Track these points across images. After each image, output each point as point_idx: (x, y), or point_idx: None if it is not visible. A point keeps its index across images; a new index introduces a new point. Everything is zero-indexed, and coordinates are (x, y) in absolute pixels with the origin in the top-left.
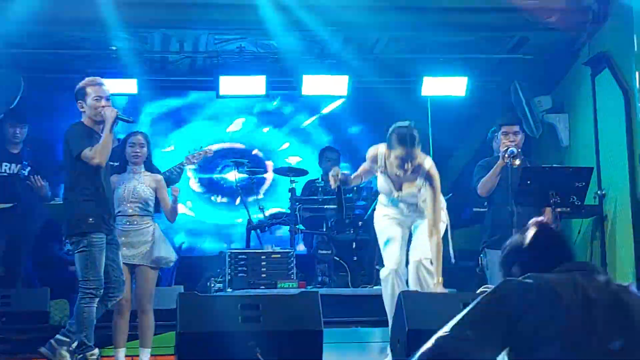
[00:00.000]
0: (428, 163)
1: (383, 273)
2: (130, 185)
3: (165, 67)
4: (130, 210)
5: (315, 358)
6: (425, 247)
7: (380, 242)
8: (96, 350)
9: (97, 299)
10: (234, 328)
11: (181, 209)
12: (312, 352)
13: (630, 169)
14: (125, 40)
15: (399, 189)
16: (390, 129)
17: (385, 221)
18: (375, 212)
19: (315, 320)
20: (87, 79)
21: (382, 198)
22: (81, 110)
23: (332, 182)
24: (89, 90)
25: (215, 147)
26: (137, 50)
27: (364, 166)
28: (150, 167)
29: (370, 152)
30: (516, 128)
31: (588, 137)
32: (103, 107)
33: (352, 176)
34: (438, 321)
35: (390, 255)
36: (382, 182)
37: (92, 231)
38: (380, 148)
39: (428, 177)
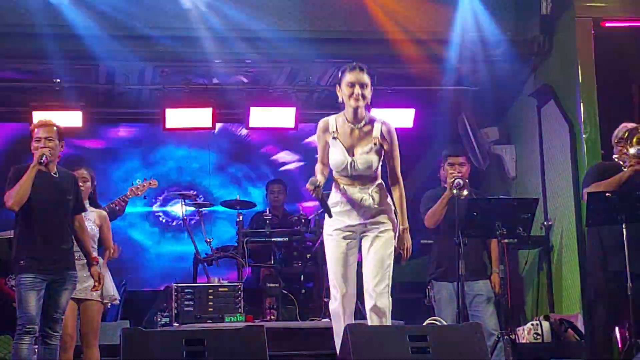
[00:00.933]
0: (381, 118)
1: (332, 305)
2: None
3: (110, 100)
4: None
5: None
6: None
7: (328, 264)
8: None
9: (27, 336)
10: None
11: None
12: None
13: (575, 199)
14: (70, 73)
15: (352, 154)
16: None
17: (331, 241)
18: (324, 229)
19: (260, 355)
20: (38, 120)
21: (333, 195)
22: (32, 150)
23: (316, 193)
24: (35, 131)
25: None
26: (81, 83)
27: (319, 159)
28: (94, 202)
29: (321, 124)
30: (462, 159)
31: (534, 168)
32: (40, 148)
33: (319, 177)
34: (385, 355)
35: (337, 283)
36: (334, 153)
37: (22, 272)
38: (331, 117)
39: (384, 126)
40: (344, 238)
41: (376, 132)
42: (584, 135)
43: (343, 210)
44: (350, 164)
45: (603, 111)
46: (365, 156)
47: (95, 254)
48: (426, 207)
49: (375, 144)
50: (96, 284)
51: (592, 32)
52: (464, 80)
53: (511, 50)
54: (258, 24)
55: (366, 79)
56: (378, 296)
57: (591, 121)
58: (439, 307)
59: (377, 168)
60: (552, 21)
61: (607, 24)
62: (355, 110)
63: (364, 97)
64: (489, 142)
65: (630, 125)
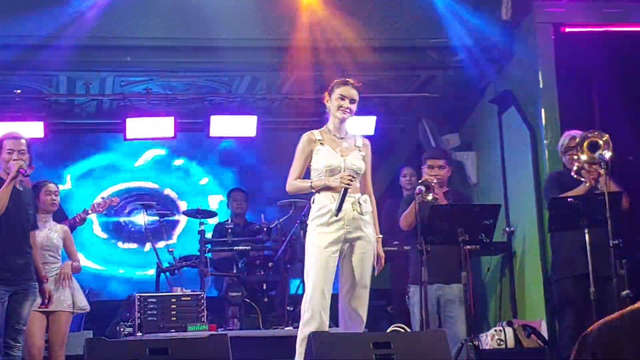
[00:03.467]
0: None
1: (307, 315)
2: (42, 234)
3: (72, 110)
4: (42, 259)
5: None
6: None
7: (310, 274)
8: None
9: None
10: None
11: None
12: None
13: (537, 205)
14: (30, 84)
15: (342, 155)
16: None
17: (317, 253)
18: (310, 239)
19: None
20: (5, 133)
21: (320, 203)
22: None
23: (347, 185)
24: (4, 143)
25: (123, 186)
26: (42, 94)
27: (297, 174)
28: (61, 215)
29: (306, 136)
30: (441, 162)
31: (496, 174)
32: (14, 160)
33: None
34: None
35: (319, 294)
36: (326, 156)
37: None
38: (314, 130)
39: (364, 139)
40: (331, 252)
41: (358, 143)
42: (545, 141)
43: (330, 221)
44: (344, 162)
45: (564, 117)
46: (356, 159)
47: (59, 264)
48: (401, 210)
49: (360, 151)
50: (45, 301)
51: (553, 37)
52: (424, 86)
53: (472, 57)
54: (218, 33)
55: (356, 95)
56: (362, 322)
57: (552, 127)
58: (414, 311)
59: (362, 177)
60: (512, 27)
61: (567, 30)
62: (341, 122)
63: (350, 111)
64: (451, 149)
65: (574, 132)
